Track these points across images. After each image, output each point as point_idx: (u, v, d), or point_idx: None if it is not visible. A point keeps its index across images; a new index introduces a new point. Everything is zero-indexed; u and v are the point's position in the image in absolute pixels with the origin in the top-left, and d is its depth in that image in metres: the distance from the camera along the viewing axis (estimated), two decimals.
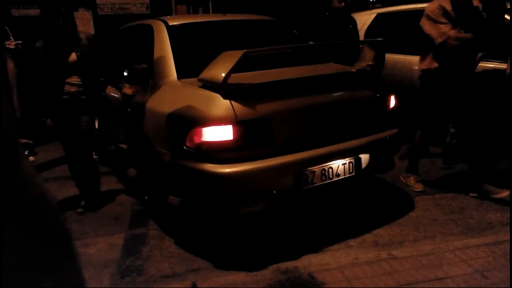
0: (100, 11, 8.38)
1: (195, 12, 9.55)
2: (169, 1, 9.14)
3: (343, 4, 4.07)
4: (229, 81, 2.24)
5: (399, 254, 2.36)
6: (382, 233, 2.71)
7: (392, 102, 2.90)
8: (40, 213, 0.45)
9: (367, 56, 2.91)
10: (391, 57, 4.39)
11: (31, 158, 4.52)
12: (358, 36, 4.30)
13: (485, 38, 2.93)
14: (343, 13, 4.15)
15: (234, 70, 2.19)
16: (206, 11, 9.48)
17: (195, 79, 2.48)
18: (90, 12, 8.17)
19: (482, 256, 2.31)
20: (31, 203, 0.44)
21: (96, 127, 3.75)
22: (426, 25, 3.03)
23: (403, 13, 4.79)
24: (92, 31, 7.67)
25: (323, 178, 2.49)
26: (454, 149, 3.87)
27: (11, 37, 5.05)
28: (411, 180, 3.39)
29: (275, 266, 2.32)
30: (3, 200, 0.40)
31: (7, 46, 4.92)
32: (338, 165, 2.53)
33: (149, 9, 8.67)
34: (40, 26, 3.00)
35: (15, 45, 5.07)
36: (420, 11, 4.55)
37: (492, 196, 3.10)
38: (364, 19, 4.95)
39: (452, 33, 2.88)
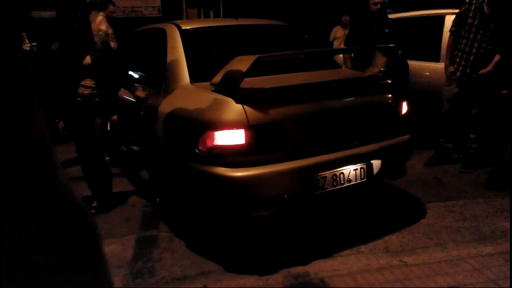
0: None
1: (206, 15, 9.61)
2: (181, 4, 9.23)
3: (379, 6, 4.00)
4: (242, 85, 2.25)
5: (411, 261, 2.35)
6: (393, 239, 2.69)
7: (404, 108, 2.89)
8: (75, 218, 0.46)
9: (379, 62, 2.90)
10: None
11: None
12: (396, 39, 3.79)
13: None
14: (379, 16, 4.07)
15: (247, 74, 2.21)
16: (217, 14, 9.55)
17: (208, 83, 2.50)
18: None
19: (496, 264, 2.28)
20: (68, 209, 0.45)
21: (108, 129, 3.79)
22: None
23: (414, 19, 4.77)
24: None
25: (334, 184, 2.49)
26: (475, 154, 3.85)
27: (25, 39, 5.13)
28: None
29: (285, 270, 2.32)
30: (44, 206, 0.41)
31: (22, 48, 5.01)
32: (349, 170, 2.52)
33: (161, 12, 8.76)
34: (56, 28, 3.05)
35: (30, 47, 5.15)
36: (431, 17, 4.58)
37: None
38: None
39: None
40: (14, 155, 0.39)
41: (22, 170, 0.39)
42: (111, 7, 4.48)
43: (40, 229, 0.42)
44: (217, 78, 2.40)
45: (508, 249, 2.44)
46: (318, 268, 2.34)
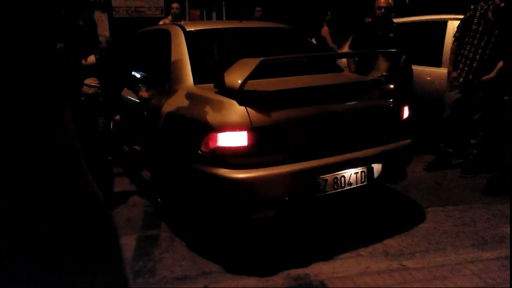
0: (116, 13, 8.51)
1: (209, 16, 9.64)
2: (183, 5, 9.22)
3: (383, 10, 4.02)
4: (245, 87, 2.27)
5: (410, 265, 2.36)
6: (392, 243, 2.70)
7: (406, 112, 2.91)
8: (102, 217, 0.48)
9: (382, 66, 2.92)
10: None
11: None
12: (400, 44, 3.90)
13: None
14: (383, 20, 4.09)
15: (250, 77, 2.23)
16: (219, 16, 9.57)
17: (212, 84, 2.52)
18: (106, 15, 8.30)
19: (494, 270, 2.30)
20: (92, 211, 0.47)
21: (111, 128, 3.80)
22: None
23: (416, 24, 4.79)
24: (107, 33, 7.79)
25: (335, 187, 2.51)
26: (475, 159, 3.88)
27: None
28: None
29: (285, 272, 2.33)
30: (68, 208, 0.43)
31: None
32: (350, 174, 2.54)
33: (164, 13, 8.77)
34: (62, 27, 3.06)
35: None
36: (433, 23, 4.60)
37: None
38: None
39: None
40: (40, 158, 0.40)
41: (48, 173, 0.41)
42: None
43: (64, 231, 0.43)
44: (221, 80, 2.42)
45: (507, 254, 2.46)
46: (318, 270, 2.36)
